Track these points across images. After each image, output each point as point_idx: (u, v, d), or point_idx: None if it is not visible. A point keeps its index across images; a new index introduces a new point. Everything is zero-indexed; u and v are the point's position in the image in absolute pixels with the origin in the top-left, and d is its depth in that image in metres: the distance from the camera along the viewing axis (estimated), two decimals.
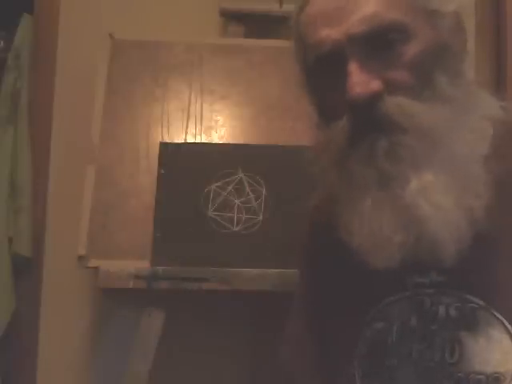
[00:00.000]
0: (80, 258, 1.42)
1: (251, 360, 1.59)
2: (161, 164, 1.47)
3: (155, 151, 1.48)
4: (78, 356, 1.69)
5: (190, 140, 1.52)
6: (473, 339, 0.78)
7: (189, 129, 1.52)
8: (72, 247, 1.43)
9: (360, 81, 0.74)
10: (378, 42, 0.76)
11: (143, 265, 1.39)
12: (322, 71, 0.80)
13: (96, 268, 1.39)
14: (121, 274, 1.37)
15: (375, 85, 0.75)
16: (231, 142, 1.52)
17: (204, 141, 1.52)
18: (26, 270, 1.71)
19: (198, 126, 1.53)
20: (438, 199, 0.74)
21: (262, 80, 1.56)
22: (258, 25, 1.66)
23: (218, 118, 1.54)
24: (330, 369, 0.91)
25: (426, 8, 0.78)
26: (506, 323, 0.77)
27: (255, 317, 1.59)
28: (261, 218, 1.43)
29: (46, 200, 1.75)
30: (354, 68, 0.75)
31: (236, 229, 1.42)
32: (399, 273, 0.78)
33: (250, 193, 1.45)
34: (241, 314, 1.62)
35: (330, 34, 0.77)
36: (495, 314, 0.78)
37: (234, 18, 1.68)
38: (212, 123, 1.54)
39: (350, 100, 0.75)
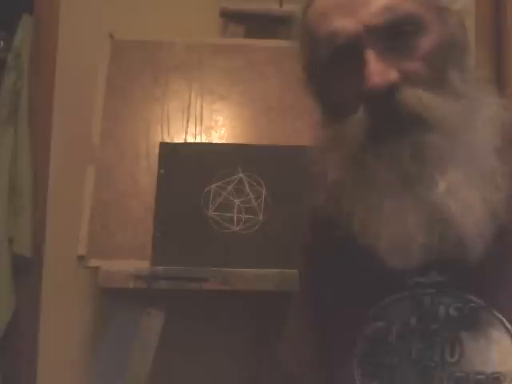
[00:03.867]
0: (80, 257, 1.42)
1: (251, 360, 1.59)
2: (161, 164, 1.47)
3: (155, 151, 1.48)
4: (78, 356, 1.69)
5: (190, 140, 1.52)
6: (473, 339, 0.78)
7: (189, 129, 1.52)
8: (72, 247, 1.43)
9: (378, 70, 0.74)
10: (394, 34, 0.76)
11: (143, 265, 1.39)
12: (334, 64, 0.80)
13: (96, 268, 1.39)
14: (121, 274, 1.37)
15: (393, 74, 0.75)
16: (231, 141, 1.52)
17: (204, 141, 1.52)
18: (26, 269, 1.71)
19: (198, 126, 1.53)
20: (466, 197, 0.74)
21: (261, 80, 1.56)
22: (258, 25, 1.66)
23: (218, 117, 1.54)
24: (330, 368, 0.91)
25: (436, 4, 0.79)
26: (507, 323, 0.77)
27: (255, 317, 1.59)
28: (261, 218, 1.43)
29: (46, 200, 1.75)
30: (371, 57, 0.75)
31: (236, 229, 1.42)
32: (400, 272, 0.78)
33: (250, 193, 1.44)
34: (241, 314, 1.62)
35: (345, 25, 0.77)
36: (496, 313, 0.78)
37: (233, 18, 1.67)
38: (212, 123, 1.54)
39: (368, 90, 0.74)
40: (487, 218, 0.75)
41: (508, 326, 0.77)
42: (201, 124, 1.53)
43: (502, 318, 0.78)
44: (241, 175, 1.45)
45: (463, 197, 0.74)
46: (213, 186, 1.45)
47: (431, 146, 0.74)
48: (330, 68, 0.81)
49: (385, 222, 0.77)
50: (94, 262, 1.41)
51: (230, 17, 1.68)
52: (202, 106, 1.54)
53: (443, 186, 0.74)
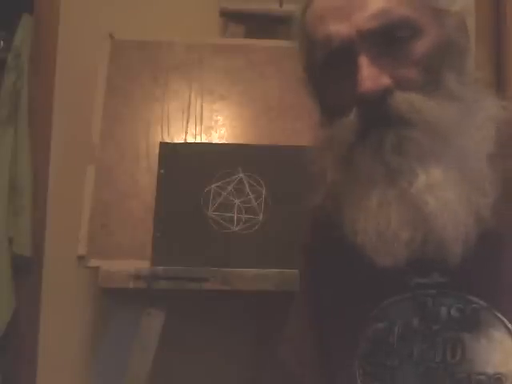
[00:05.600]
0: (80, 258, 1.42)
1: (251, 360, 1.59)
2: (161, 164, 1.47)
3: (155, 151, 1.48)
4: (78, 356, 1.69)
5: (190, 140, 1.52)
6: (474, 340, 0.78)
7: (189, 129, 1.52)
8: (72, 247, 1.43)
9: (371, 75, 0.74)
10: (388, 38, 0.76)
11: (143, 265, 1.39)
12: (330, 67, 0.80)
13: (96, 268, 1.39)
14: (121, 274, 1.37)
15: (385, 80, 0.75)
16: (231, 141, 1.52)
17: (204, 141, 1.52)
18: (26, 269, 1.71)
19: (198, 126, 1.53)
20: (446, 196, 0.74)
21: (262, 80, 1.56)
22: (258, 25, 1.66)
23: (218, 117, 1.54)
24: (331, 368, 0.91)
25: (434, 6, 0.79)
26: (508, 324, 0.77)
27: (255, 317, 1.59)
28: (261, 218, 1.43)
29: (46, 200, 1.75)
30: (364, 62, 0.75)
31: (236, 229, 1.42)
32: (401, 273, 0.78)
33: (250, 193, 1.44)
34: (241, 314, 1.62)
35: (339, 29, 0.77)
36: (497, 314, 0.78)
37: (233, 18, 1.67)
38: (212, 123, 1.54)
39: (360, 94, 0.75)
40: (471, 221, 0.75)
41: (509, 326, 0.77)
42: (201, 124, 1.53)
43: (504, 318, 0.78)
44: (241, 175, 1.45)
45: (443, 196, 0.74)
46: (213, 185, 1.45)
47: (413, 139, 0.75)
48: (326, 71, 0.81)
49: (370, 218, 0.77)
50: (94, 262, 1.41)
51: (230, 17, 1.68)
52: (202, 106, 1.54)
53: (423, 181, 0.74)
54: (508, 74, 1.67)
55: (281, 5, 1.63)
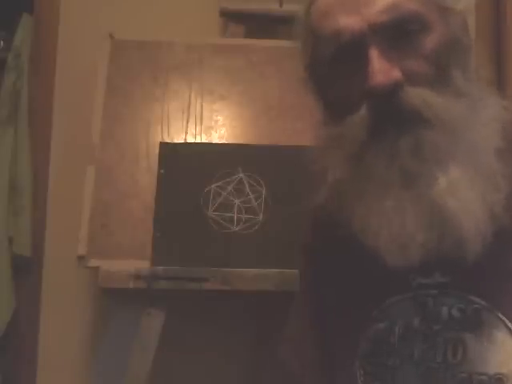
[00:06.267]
0: (80, 258, 1.42)
1: (251, 360, 1.59)
2: (161, 164, 1.47)
3: (155, 151, 1.48)
4: (78, 356, 1.69)
5: (190, 140, 1.51)
6: (476, 340, 0.78)
7: (189, 129, 1.52)
8: (72, 247, 1.43)
9: (382, 68, 0.74)
10: (398, 33, 0.76)
11: (143, 265, 1.39)
12: (338, 63, 0.79)
13: (96, 268, 1.39)
14: (121, 274, 1.37)
15: (396, 73, 0.75)
16: (231, 141, 1.52)
17: (204, 141, 1.52)
18: (26, 269, 1.71)
19: (198, 126, 1.52)
20: (466, 196, 0.74)
21: (262, 80, 1.56)
22: (258, 25, 1.66)
23: (218, 117, 1.54)
24: (332, 368, 0.91)
25: (440, 4, 0.79)
26: (509, 324, 0.77)
27: (255, 317, 1.59)
28: (261, 218, 1.43)
29: (46, 200, 1.75)
30: (375, 55, 0.75)
31: (236, 229, 1.42)
32: (403, 273, 0.78)
33: (250, 193, 1.44)
34: (241, 314, 1.62)
35: (350, 22, 0.77)
36: (498, 315, 0.78)
37: (233, 18, 1.67)
38: (212, 123, 1.54)
39: (370, 88, 0.74)
40: (486, 218, 0.75)
41: (511, 326, 0.77)
42: (201, 124, 1.53)
43: (505, 319, 0.78)
44: (241, 175, 1.45)
45: (463, 196, 0.74)
46: (213, 186, 1.45)
47: (432, 142, 0.74)
48: (334, 66, 0.80)
49: (384, 220, 0.76)
50: (93, 262, 1.41)
51: (230, 17, 1.68)
52: (202, 106, 1.54)
53: (444, 184, 0.74)
54: (508, 73, 1.67)
55: (281, 5, 1.63)
